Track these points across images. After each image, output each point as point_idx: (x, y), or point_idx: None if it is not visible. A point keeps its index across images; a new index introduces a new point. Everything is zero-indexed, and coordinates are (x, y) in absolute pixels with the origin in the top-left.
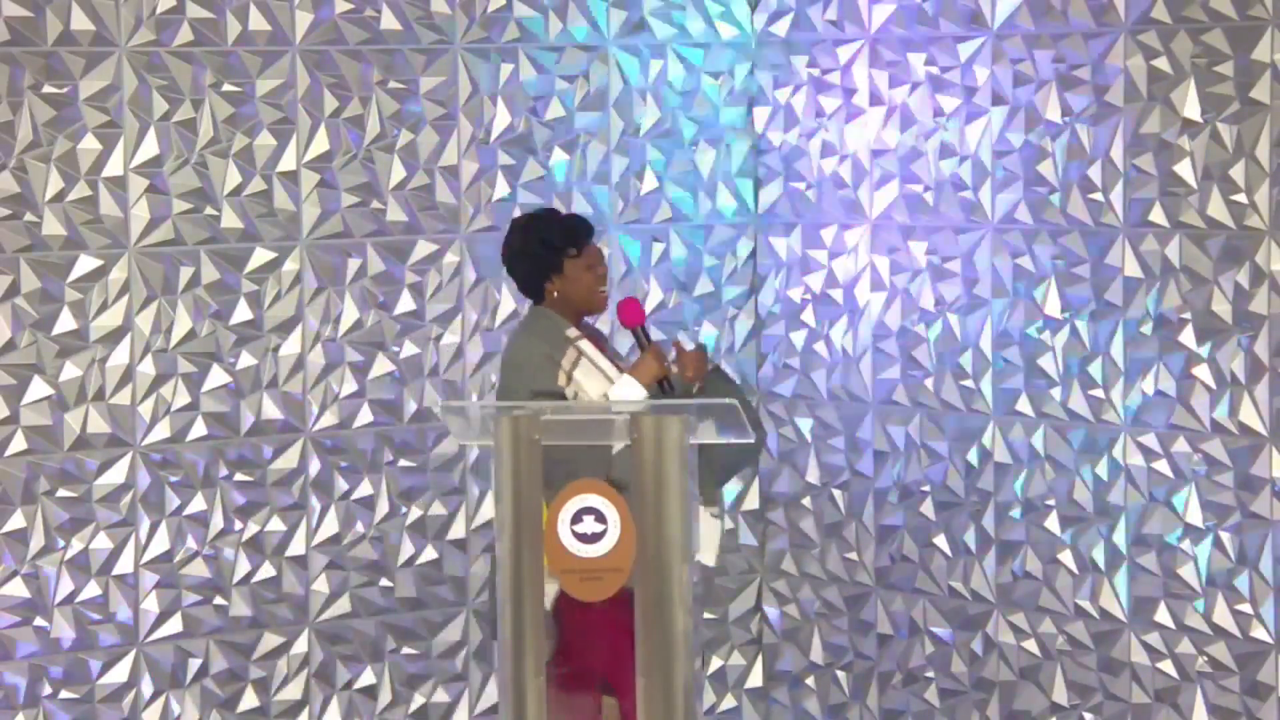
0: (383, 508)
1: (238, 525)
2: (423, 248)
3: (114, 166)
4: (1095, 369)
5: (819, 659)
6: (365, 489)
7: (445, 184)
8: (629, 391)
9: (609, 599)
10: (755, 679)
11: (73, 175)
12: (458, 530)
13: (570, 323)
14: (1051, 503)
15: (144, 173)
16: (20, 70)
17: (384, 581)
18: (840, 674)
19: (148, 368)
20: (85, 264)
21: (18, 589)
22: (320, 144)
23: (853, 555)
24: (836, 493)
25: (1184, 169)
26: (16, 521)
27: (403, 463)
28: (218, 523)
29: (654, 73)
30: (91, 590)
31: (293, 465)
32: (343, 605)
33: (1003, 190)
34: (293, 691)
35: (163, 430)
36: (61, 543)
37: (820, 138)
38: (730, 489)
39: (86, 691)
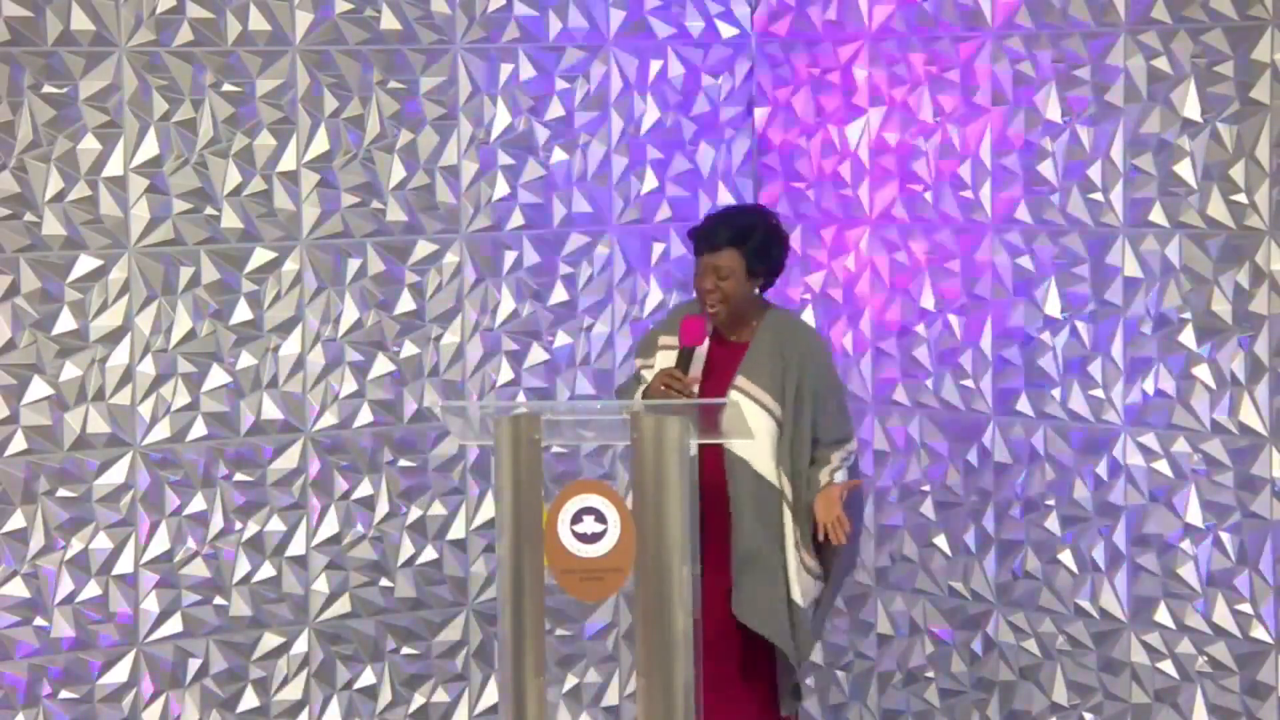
0: (383, 508)
1: (238, 525)
2: (423, 248)
3: (114, 166)
4: (1095, 369)
5: (819, 659)
6: (365, 489)
7: (445, 184)
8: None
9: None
10: None
11: (73, 175)
12: (458, 530)
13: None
14: (1051, 503)
15: (144, 173)
16: (20, 70)
17: (384, 581)
18: (840, 674)
19: (148, 368)
20: (85, 264)
21: (18, 589)
22: (320, 144)
23: None
24: None
25: (1184, 169)
26: (16, 521)
27: (403, 463)
28: (218, 523)
29: (654, 72)
30: (91, 590)
31: (293, 465)
32: (343, 605)
33: (1003, 190)
34: (293, 691)
35: (163, 430)
36: (61, 543)
37: (820, 138)
38: None
39: (86, 691)
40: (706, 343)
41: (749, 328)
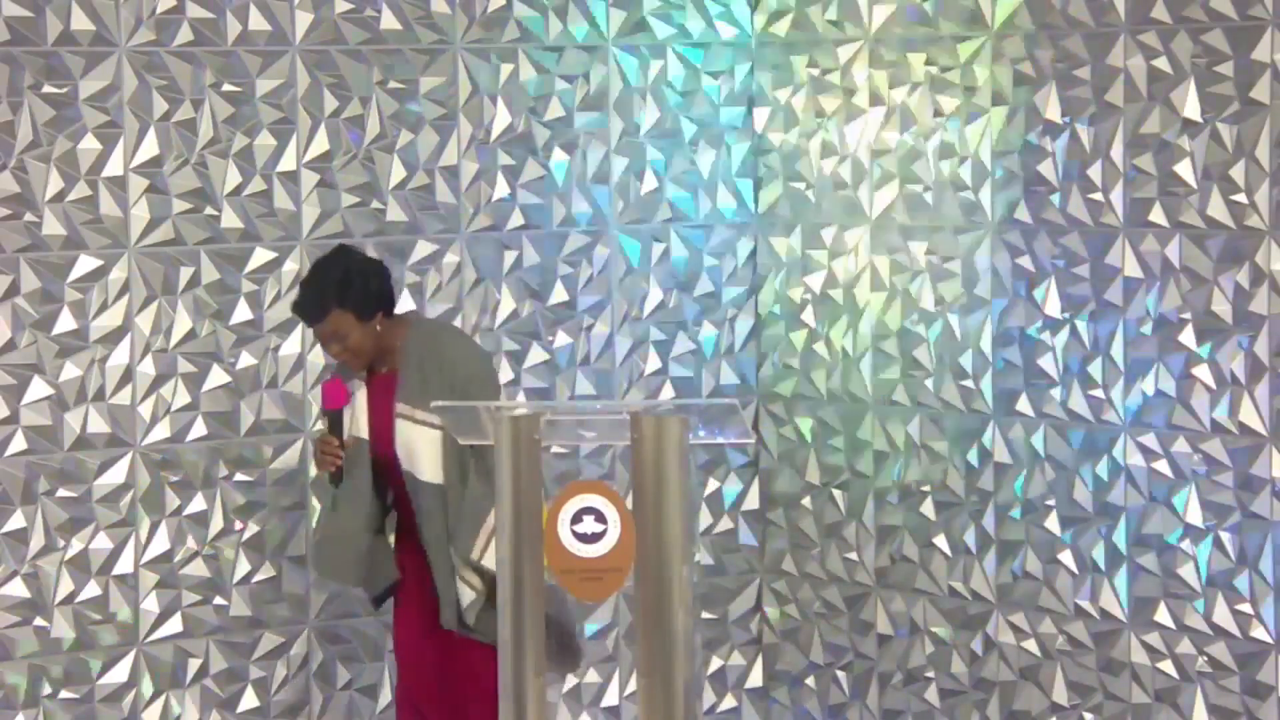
0: None
1: (238, 525)
2: (423, 248)
3: (114, 166)
4: (1095, 369)
5: (819, 659)
6: None
7: (445, 184)
8: None
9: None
10: (755, 679)
11: (73, 175)
12: None
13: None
14: (1051, 503)
15: (144, 173)
16: (20, 70)
17: None
18: (840, 674)
19: (148, 368)
20: (85, 264)
21: (18, 589)
22: (320, 144)
23: (853, 555)
24: (836, 493)
25: (1184, 169)
26: (16, 521)
27: None
28: (218, 523)
29: (654, 73)
30: (91, 590)
31: (292, 465)
32: (343, 605)
33: (1003, 190)
34: (293, 691)
35: (163, 430)
36: (61, 543)
37: (820, 138)
38: (730, 489)
39: (86, 691)
40: (361, 398)
41: (395, 354)
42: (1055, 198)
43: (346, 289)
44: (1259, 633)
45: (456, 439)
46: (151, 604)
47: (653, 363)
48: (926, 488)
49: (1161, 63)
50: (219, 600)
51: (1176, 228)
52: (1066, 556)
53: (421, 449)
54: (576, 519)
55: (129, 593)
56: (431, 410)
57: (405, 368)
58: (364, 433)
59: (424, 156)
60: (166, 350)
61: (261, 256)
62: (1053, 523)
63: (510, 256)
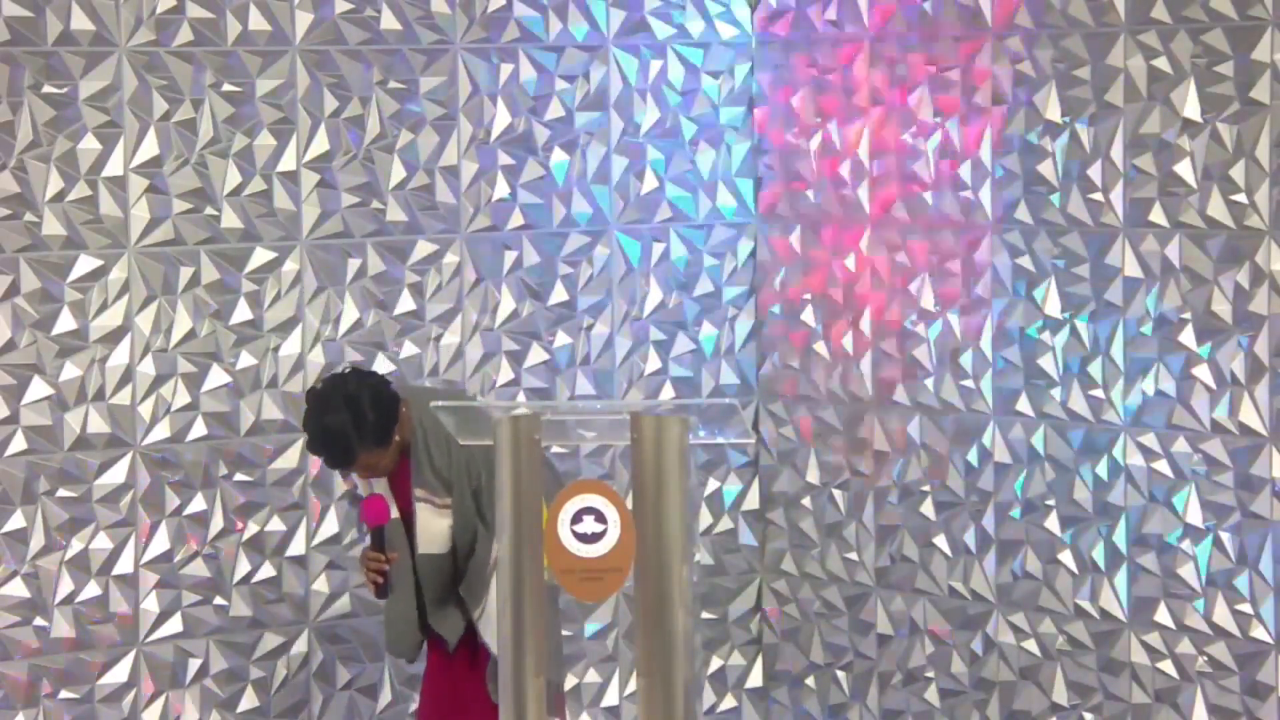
0: None
1: (238, 525)
2: (423, 248)
3: (114, 166)
4: (1095, 369)
5: (819, 659)
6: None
7: (445, 184)
8: None
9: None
10: (755, 679)
11: (73, 175)
12: None
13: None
14: (1051, 503)
15: (144, 173)
16: (20, 70)
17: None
18: (840, 674)
19: (148, 368)
20: (85, 264)
21: (18, 589)
22: (320, 144)
23: (853, 555)
24: (836, 493)
25: (1184, 169)
26: (16, 521)
27: None
28: (218, 523)
29: (654, 73)
30: (91, 590)
31: (293, 465)
32: (343, 605)
33: (1003, 190)
34: (293, 691)
35: (163, 430)
36: (61, 543)
37: (820, 138)
38: (730, 489)
39: (86, 691)
40: (394, 511)
41: (406, 443)
42: (1055, 198)
43: (365, 429)
44: (1259, 633)
45: (463, 521)
46: (151, 604)
47: (653, 363)
48: (926, 488)
49: (1161, 63)
50: (219, 600)
51: (1176, 228)
52: (1066, 556)
53: (440, 535)
54: (576, 519)
55: (129, 593)
56: (440, 489)
57: (414, 448)
58: (394, 511)
59: (424, 156)
60: (166, 350)
61: (261, 256)
62: (1053, 523)
63: (510, 256)
